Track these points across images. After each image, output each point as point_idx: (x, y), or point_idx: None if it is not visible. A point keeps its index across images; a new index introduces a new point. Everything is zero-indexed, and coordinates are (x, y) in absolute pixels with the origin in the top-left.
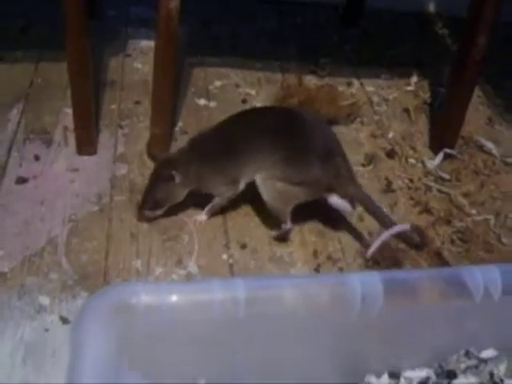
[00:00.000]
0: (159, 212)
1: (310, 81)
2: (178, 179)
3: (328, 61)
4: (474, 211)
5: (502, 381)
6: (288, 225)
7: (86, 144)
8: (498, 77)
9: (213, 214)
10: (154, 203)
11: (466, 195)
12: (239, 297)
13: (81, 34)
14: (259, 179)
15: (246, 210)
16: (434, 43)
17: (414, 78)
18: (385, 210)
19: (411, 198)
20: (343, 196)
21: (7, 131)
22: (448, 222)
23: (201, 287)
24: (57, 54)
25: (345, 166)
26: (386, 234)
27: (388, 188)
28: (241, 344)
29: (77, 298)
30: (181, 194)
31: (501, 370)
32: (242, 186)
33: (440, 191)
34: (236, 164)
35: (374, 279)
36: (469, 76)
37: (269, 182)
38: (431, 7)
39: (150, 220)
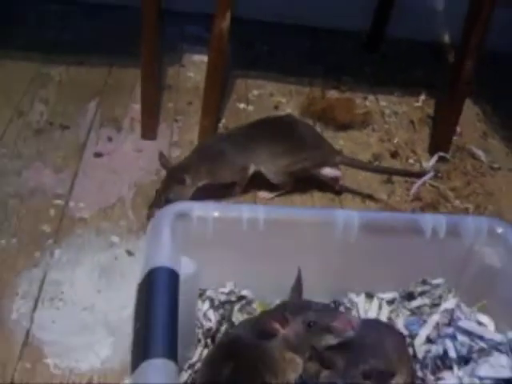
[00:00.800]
0: None
1: (333, 95)
2: (188, 181)
3: (349, 79)
4: (457, 202)
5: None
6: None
7: (149, 131)
8: (497, 98)
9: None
10: (165, 202)
11: (452, 189)
12: (260, 217)
13: (154, 41)
14: (265, 169)
15: None
16: (445, 70)
17: (423, 97)
18: (383, 198)
19: (407, 189)
20: (333, 165)
21: (86, 118)
22: (434, 208)
23: (233, 208)
24: (126, 60)
25: (328, 146)
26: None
27: (388, 180)
28: (260, 251)
29: (139, 238)
30: (189, 193)
31: (445, 292)
32: (251, 171)
33: (432, 185)
34: (237, 158)
35: (353, 214)
36: (458, 94)
37: (274, 170)
38: (446, 38)
39: None
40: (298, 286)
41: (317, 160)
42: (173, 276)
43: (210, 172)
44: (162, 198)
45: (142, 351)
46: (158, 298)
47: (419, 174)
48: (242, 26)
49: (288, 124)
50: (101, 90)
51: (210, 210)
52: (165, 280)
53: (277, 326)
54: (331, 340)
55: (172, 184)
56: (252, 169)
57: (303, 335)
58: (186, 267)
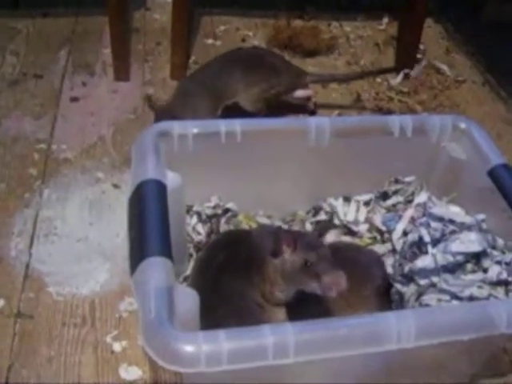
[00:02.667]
0: None
1: (298, 24)
2: None
3: (313, 8)
4: (425, 114)
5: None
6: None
7: (122, 72)
8: (458, 17)
9: None
10: None
11: (420, 103)
12: (237, 130)
13: None
14: (241, 99)
15: None
16: None
17: (386, 19)
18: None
19: (376, 106)
20: (304, 87)
21: (59, 66)
22: None
23: (211, 124)
24: (91, 8)
25: (296, 69)
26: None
27: (358, 99)
28: (240, 164)
29: (123, 173)
30: None
31: (417, 189)
32: (219, 112)
33: (400, 101)
34: (216, 92)
35: (324, 120)
36: (418, 12)
37: (250, 98)
38: None
39: None
40: (324, 226)
41: (289, 83)
42: (161, 186)
43: (194, 110)
44: None
45: (139, 253)
46: (150, 205)
47: (388, 70)
48: None
49: (256, 54)
50: (70, 38)
51: (190, 127)
52: (154, 190)
53: (284, 247)
54: (314, 290)
55: None
56: (220, 109)
57: (296, 269)
58: (171, 181)
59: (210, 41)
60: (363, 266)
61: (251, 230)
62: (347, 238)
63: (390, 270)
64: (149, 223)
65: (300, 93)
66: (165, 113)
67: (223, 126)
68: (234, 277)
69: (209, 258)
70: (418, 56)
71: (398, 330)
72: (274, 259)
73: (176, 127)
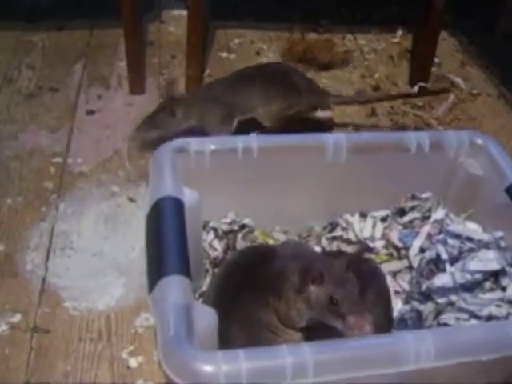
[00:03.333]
0: (151, 135)
1: (312, 37)
2: (178, 115)
3: (327, 21)
4: (441, 128)
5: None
6: None
7: (137, 86)
8: (473, 30)
9: None
10: (150, 127)
11: (435, 118)
12: (253, 146)
13: None
14: (258, 115)
15: None
16: (419, 4)
17: (400, 32)
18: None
19: (391, 120)
20: (324, 108)
21: (74, 80)
22: None
23: (228, 140)
24: (106, 22)
25: (319, 90)
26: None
27: (373, 113)
28: (256, 180)
29: (138, 186)
30: (176, 128)
31: (434, 205)
32: (235, 123)
33: (415, 115)
34: (234, 102)
35: (341, 136)
36: (433, 24)
37: (268, 115)
38: None
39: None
40: (356, 257)
41: (310, 104)
42: (178, 204)
43: (200, 113)
44: (146, 122)
45: (157, 271)
46: (168, 222)
47: (410, 95)
48: None
49: (280, 71)
50: (85, 51)
51: (207, 144)
52: (171, 207)
53: (310, 281)
54: (337, 327)
55: (161, 114)
56: (237, 120)
57: (320, 304)
58: (188, 197)
59: (224, 54)
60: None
61: (274, 246)
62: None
63: (406, 286)
64: (167, 241)
65: (321, 113)
66: (169, 104)
67: (240, 142)
68: (249, 297)
69: (227, 275)
70: (446, 90)
71: (417, 350)
72: (298, 295)
73: (193, 144)
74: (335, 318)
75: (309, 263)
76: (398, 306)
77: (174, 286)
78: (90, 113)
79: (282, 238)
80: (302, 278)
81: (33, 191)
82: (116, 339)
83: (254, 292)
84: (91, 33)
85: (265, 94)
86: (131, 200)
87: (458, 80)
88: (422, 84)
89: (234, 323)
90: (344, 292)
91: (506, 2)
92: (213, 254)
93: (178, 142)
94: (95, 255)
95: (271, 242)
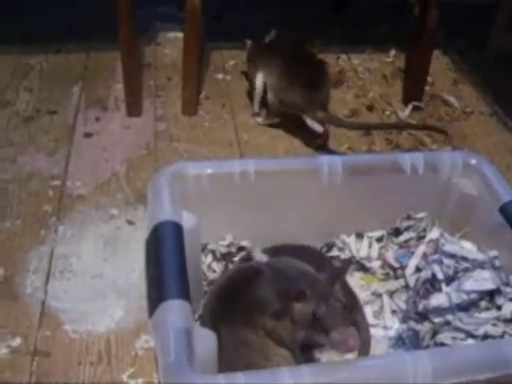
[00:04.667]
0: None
1: None
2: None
3: (321, 41)
4: (435, 146)
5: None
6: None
7: (134, 108)
8: (465, 48)
9: None
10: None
11: (429, 135)
12: (250, 170)
13: (130, 20)
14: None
15: None
16: (411, 24)
17: (393, 52)
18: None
19: (386, 139)
20: (313, 118)
21: (72, 102)
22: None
23: (225, 164)
24: (102, 44)
25: (321, 96)
26: None
27: (367, 132)
28: (253, 202)
29: (137, 209)
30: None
31: (429, 225)
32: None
33: (409, 133)
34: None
35: (336, 159)
36: (426, 44)
37: (272, 86)
38: None
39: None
40: (338, 271)
41: (302, 102)
42: (178, 228)
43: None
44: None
45: (157, 295)
46: (167, 246)
47: (398, 126)
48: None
49: (313, 61)
50: (82, 74)
51: (204, 168)
52: (170, 232)
53: (293, 299)
54: (324, 341)
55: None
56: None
57: (306, 320)
58: (187, 221)
59: (220, 75)
60: None
61: (260, 266)
62: (360, 274)
63: (403, 306)
64: (167, 265)
65: (310, 123)
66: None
67: (237, 166)
68: (238, 321)
69: (209, 302)
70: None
71: (414, 371)
72: (283, 316)
73: (190, 168)
74: (320, 334)
75: (289, 283)
76: (395, 325)
77: (175, 311)
78: (88, 135)
79: None
80: (283, 299)
81: (31, 214)
82: (116, 362)
83: (242, 316)
84: (88, 55)
85: (279, 66)
86: (130, 222)
87: (451, 98)
88: (415, 103)
89: (226, 347)
90: (327, 307)
91: (496, 20)
92: (211, 275)
93: (174, 167)
94: (95, 278)
95: None
